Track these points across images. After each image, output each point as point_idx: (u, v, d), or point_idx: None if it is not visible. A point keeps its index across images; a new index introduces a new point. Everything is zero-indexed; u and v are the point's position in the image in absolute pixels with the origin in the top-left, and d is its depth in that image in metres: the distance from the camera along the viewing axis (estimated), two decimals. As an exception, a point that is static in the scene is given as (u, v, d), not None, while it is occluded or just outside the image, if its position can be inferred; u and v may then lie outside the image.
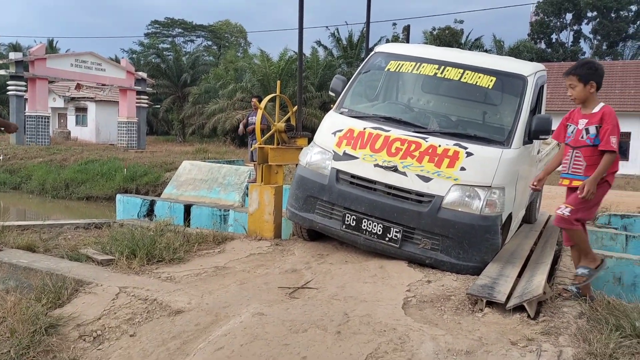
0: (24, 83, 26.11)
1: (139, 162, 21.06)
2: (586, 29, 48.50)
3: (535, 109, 5.50)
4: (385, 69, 5.72)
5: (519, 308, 3.66)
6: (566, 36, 49.33)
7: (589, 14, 47.20)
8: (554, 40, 48.81)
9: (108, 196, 18.00)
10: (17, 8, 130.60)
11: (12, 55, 26.47)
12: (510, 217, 5.10)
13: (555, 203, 11.20)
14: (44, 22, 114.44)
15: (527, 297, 3.69)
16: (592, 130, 3.99)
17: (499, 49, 40.78)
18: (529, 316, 3.57)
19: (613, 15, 45.66)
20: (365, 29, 8.84)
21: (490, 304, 3.78)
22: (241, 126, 11.97)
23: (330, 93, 5.77)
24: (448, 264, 4.63)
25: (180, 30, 57.54)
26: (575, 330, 3.28)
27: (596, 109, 4.04)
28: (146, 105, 32.72)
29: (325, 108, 28.31)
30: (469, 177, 4.68)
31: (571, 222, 4.03)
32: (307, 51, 34.41)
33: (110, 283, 4.04)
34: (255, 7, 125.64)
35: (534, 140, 5.35)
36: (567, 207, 4.03)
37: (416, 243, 4.72)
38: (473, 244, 4.60)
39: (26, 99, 27.08)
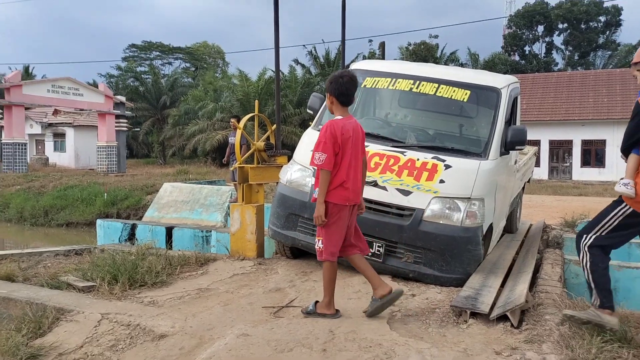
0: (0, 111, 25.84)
1: (120, 186, 20.83)
2: (558, 40, 49.74)
3: (510, 120, 5.60)
4: (362, 86, 5.78)
5: (503, 318, 3.69)
6: (539, 48, 50.45)
7: (560, 26, 48.37)
8: (527, 52, 49.85)
9: (88, 222, 17.74)
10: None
11: (-13, 83, 26.19)
12: (491, 227, 5.15)
13: (536, 212, 11.39)
14: (19, 49, 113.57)
15: (510, 306, 3.73)
16: None
17: (474, 62, 41.50)
18: (512, 325, 3.61)
19: (583, 26, 46.88)
20: (341, 46, 8.95)
21: (475, 315, 3.80)
22: (226, 157, 11.88)
23: (308, 111, 5.81)
24: (431, 276, 4.65)
25: (157, 53, 57.49)
26: (557, 337, 3.32)
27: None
28: (125, 128, 32.52)
29: (304, 125, 28.41)
30: (449, 189, 4.73)
31: (322, 254, 3.80)
32: (285, 69, 34.64)
33: (92, 310, 3.99)
34: (232, 28, 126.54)
35: (510, 151, 5.44)
36: (319, 239, 3.81)
37: (399, 257, 4.74)
38: (455, 256, 4.64)
39: (2, 127, 26.73)
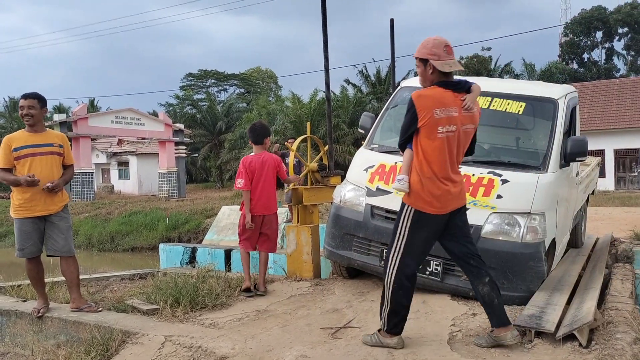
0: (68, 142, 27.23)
1: (180, 211, 21.50)
2: (618, 45, 47.81)
3: (569, 131, 5.42)
4: (413, 103, 5.74)
5: (570, 337, 3.53)
6: (598, 54, 48.65)
7: (620, 30, 46.54)
8: (586, 60, 48.17)
9: (152, 246, 18.38)
10: (60, 72, 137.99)
11: (57, 117, 27.78)
12: (554, 242, 4.97)
13: (602, 225, 10.87)
14: (85, 83, 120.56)
15: (577, 324, 3.56)
16: None
17: (530, 72, 40.41)
18: (580, 345, 3.44)
19: (645, 29, 44.89)
20: (391, 64, 8.96)
21: (539, 334, 3.66)
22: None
23: (360, 130, 5.83)
24: (492, 294, 4.51)
25: (213, 80, 59.34)
26: (630, 357, 3.14)
27: None
28: (184, 154, 33.61)
29: (357, 144, 28.41)
30: (507, 204, 4.60)
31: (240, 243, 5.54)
32: (336, 90, 34.91)
33: (156, 332, 4.11)
34: (284, 52, 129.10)
35: (571, 163, 5.25)
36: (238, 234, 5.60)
37: (458, 275, 4.63)
38: (517, 273, 4.49)
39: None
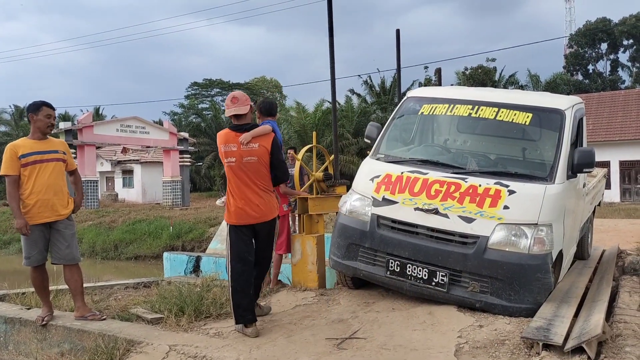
0: (73, 150, 27.35)
1: (184, 219, 21.49)
2: (623, 57, 47.85)
3: (576, 142, 5.40)
4: (419, 113, 5.75)
5: (578, 350, 3.49)
6: (603, 66, 48.66)
7: (625, 42, 46.58)
8: (590, 71, 48.19)
9: (155, 254, 18.37)
10: (66, 80, 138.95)
11: (62, 125, 27.89)
12: (561, 254, 4.94)
13: (608, 237, 10.80)
14: (91, 91, 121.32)
15: (585, 337, 3.53)
16: None
17: (535, 83, 40.42)
18: (589, 358, 3.40)
19: (650, 41, 44.93)
20: (396, 74, 8.98)
21: (547, 346, 3.62)
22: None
23: (366, 140, 5.82)
24: (499, 306, 4.48)
25: (218, 89, 59.39)
26: (640, 371, 3.10)
27: None
28: (189, 163, 33.68)
29: (362, 154, 28.44)
30: (514, 215, 4.58)
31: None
32: (341, 100, 34.99)
33: (160, 342, 4.09)
34: (289, 62, 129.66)
35: (578, 174, 5.23)
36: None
37: (464, 286, 4.60)
38: (524, 285, 4.46)
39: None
